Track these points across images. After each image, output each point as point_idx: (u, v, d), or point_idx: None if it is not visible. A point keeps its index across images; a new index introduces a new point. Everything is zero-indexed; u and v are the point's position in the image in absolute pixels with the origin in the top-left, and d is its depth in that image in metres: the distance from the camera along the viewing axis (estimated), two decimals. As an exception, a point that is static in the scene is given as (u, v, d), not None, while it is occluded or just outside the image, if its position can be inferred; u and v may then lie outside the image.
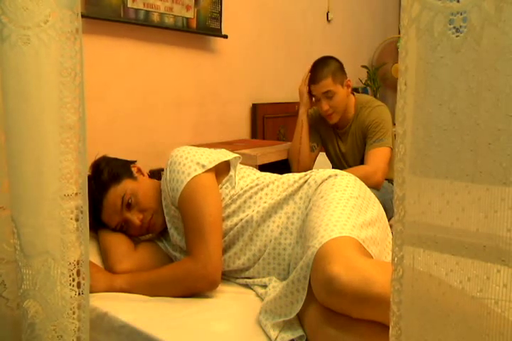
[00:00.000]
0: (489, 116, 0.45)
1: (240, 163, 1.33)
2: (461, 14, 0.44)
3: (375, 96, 3.07)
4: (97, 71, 1.78)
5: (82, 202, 0.82)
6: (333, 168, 2.06)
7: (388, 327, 0.58)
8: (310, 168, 2.00)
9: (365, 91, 3.46)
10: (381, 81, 3.61)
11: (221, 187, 1.25)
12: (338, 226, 0.98)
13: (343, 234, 0.95)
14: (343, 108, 1.96)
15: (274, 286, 1.13)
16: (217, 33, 2.25)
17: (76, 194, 0.83)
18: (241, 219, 1.22)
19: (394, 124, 2.41)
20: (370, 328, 0.83)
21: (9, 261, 0.91)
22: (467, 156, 0.45)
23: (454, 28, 0.44)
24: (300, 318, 0.96)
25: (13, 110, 0.80)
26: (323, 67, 1.94)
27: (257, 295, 1.16)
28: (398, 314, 0.52)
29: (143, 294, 1.13)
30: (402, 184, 0.50)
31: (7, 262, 0.91)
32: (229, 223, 1.23)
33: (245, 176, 1.30)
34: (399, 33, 4.07)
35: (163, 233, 1.36)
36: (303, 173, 1.30)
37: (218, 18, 2.24)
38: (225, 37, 2.29)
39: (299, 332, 0.94)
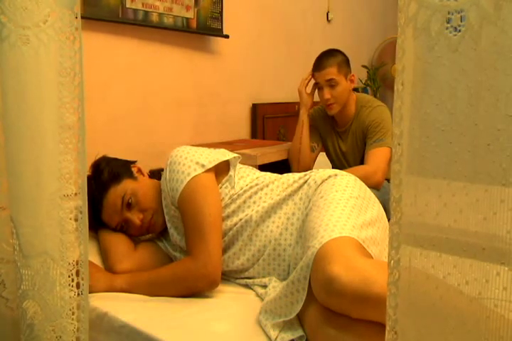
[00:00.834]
0: (488, 117, 0.44)
1: (240, 163, 1.33)
2: (458, 13, 0.43)
3: (375, 96, 3.07)
4: (97, 71, 1.78)
5: (82, 202, 0.82)
6: (333, 167, 2.05)
7: (388, 328, 0.58)
8: (310, 168, 2.00)
9: (365, 91, 3.46)
10: (381, 81, 3.60)
11: (221, 187, 1.25)
12: (338, 226, 0.98)
13: (343, 234, 0.95)
14: (345, 100, 1.95)
15: (274, 286, 1.13)
16: (219, 33, 2.25)
17: (75, 194, 0.82)
18: (240, 219, 1.22)
19: (394, 124, 2.37)
20: (370, 328, 0.83)
21: (9, 260, 0.91)
22: (465, 157, 0.45)
23: (452, 27, 0.44)
24: (300, 318, 0.96)
25: (12, 110, 0.80)
26: (329, 57, 1.94)
27: (257, 295, 1.16)
28: (394, 318, 0.52)
29: (143, 294, 1.13)
30: (399, 185, 0.49)
31: (7, 262, 0.91)
32: (228, 223, 1.23)
33: (245, 176, 1.30)
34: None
35: (163, 233, 1.36)
36: (302, 173, 1.30)
37: (219, 18, 2.23)
38: (227, 37, 2.28)
39: (299, 332, 0.94)
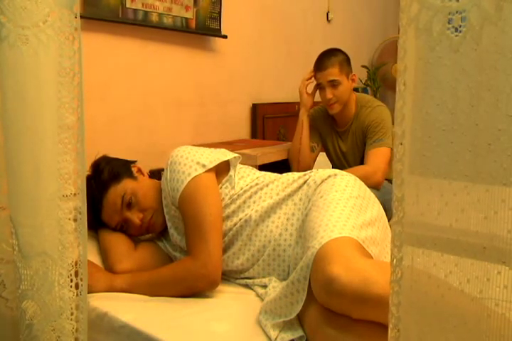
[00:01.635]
0: (489, 117, 0.45)
1: (240, 163, 1.33)
2: (460, 13, 0.43)
3: (375, 96, 3.07)
4: (97, 71, 1.77)
5: (81, 202, 0.82)
6: (333, 167, 2.05)
7: (388, 328, 0.58)
8: (310, 168, 2.00)
9: (365, 91, 3.46)
10: (381, 81, 3.61)
11: (221, 187, 1.25)
12: (338, 226, 0.98)
13: (342, 235, 0.95)
14: (346, 99, 1.95)
15: (274, 286, 1.13)
16: (217, 33, 2.25)
17: (74, 194, 0.82)
18: (240, 219, 1.22)
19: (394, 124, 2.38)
20: (370, 329, 0.83)
21: (9, 261, 0.90)
22: (466, 157, 0.45)
23: (453, 27, 0.44)
24: (300, 318, 0.96)
25: (12, 110, 0.80)
26: (330, 56, 1.94)
27: (257, 295, 1.16)
28: (397, 316, 0.52)
29: (143, 294, 1.13)
30: (401, 185, 0.49)
31: (6, 262, 0.91)
32: (229, 223, 1.23)
33: (245, 176, 1.30)
34: (399, 32, 4.05)
35: (163, 233, 1.36)
36: (302, 173, 1.30)
37: (218, 18, 2.24)
38: (225, 37, 2.28)
39: (299, 333, 0.94)
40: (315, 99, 2.07)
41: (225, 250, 1.23)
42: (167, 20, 1.99)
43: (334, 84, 1.91)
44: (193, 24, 2.12)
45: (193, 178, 1.17)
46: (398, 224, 0.50)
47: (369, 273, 0.81)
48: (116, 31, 1.84)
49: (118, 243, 1.27)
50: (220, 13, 2.24)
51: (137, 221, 1.24)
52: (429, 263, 0.48)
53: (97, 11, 1.72)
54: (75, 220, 0.83)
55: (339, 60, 1.92)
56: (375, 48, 3.79)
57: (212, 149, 1.29)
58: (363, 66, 3.49)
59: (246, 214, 1.22)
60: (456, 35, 0.44)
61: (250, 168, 1.37)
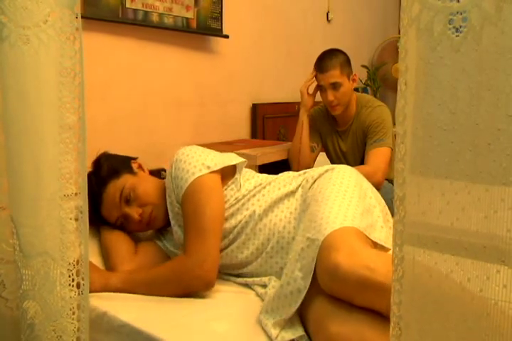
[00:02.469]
0: (489, 116, 0.45)
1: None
2: (460, 14, 0.44)
3: (375, 96, 3.07)
4: (97, 71, 1.78)
5: (82, 202, 0.82)
6: (332, 167, 2.05)
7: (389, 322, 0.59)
8: (310, 168, 2.00)
9: (365, 91, 3.46)
10: (381, 81, 3.61)
11: (226, 189, 1.26)
12: (339, 217, 1.00)
13: (344, 225, 0.97)
14: (348, 100, 1.96)
15: (274, 286, 1.13)
16: (218, 33, 2.25)
17: (76, 194, 0.82)
18: (245, 216, 1.23)
19: (394, 124, 2.39)
20: (373, 327, 0.83)
21: (9, 261, 0.91)
22: (467, 156, 0.45)
23: (454, 27, 0.44)
24: (303, 316, 0.97)
25: (13, 110, 0.80)
26: (331, 58, 1.94)
27: (257, 294, 1.16)
28: (398, 314, 0.52)
29: (138, 293, 1.13)
30: (403, 184, 0.50)
31: (7, 262, 0.91)
32: (233, 221, 1.23)
33: (250, 178, 1.32)
34: (399, 32, 4.06)
35: (163, 231, 1.36)
36: (302, 171, 1.33)
37: (219, 18, 2.24)
38: (226, 37, 2.28)
39: (300, 332, 0.94)
40: (316, 99, 2.07)
41: (228, 245, 1.23)
42: (167, 20, 1.99)
43: (335, 86, 1.91)
44: (193, 24, 2.12)
45: (196, 178, 1.17)
46: (399, 223, 0.51)
47: (372, 261, 0.84)
48: (116, 31, 1.84)
49: (120, 244, 1.27)
50: (221, 13, 2.24)
51: (136, 216, 1.24)
52: (431, 261, 0.49)
53: (96, 11, 1.72)
54: (76, 220, 0.83)
55: (340, 62, 1.92)
56: (375, 48, 3.79)
57: (218, 153, 1.30)
58: (363, 66, 3.49)
59: (250, 211, 1.23)
60: (457, 36, 0.44)
61: (252, 171, 1.39)
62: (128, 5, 1.82)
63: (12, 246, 0.86)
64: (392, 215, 1.26)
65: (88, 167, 1.24)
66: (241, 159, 1.31)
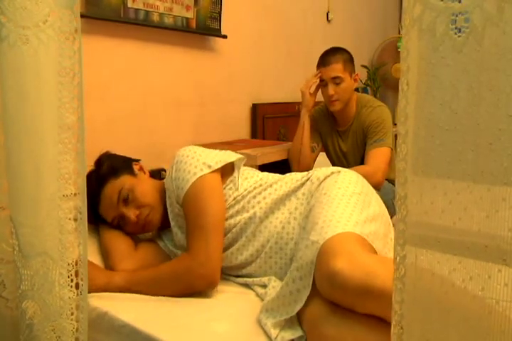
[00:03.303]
0: (490, 116, 0.45)
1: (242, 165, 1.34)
2: (463, 15, 0.44)
3: (375, 96, 3.07)
4: (97, 71, 1.77)
5: (81, 202, 0.82)
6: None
7: (387, 326, 0.58)
8: (310, 168, 1.99)
9: (365, 91, 3.46)
10: (381, 81, 3.61)
11: (224, 188, 1.26)
12: (342, 222, 0.99)
13: (346, 230, 0.96)
14: (348, 97, 1.95)
15: (274, 286, 1.13)
16: (217, 33, 2.25)
17: (75, 194, 0.82)
18: (244, 217, 1.23)
19: (394, 124, 2.40)
20: (368, 328, 0.83)
21: (9, 261, 0.90)
22: (468, 156, 0.45)
23: (456, 28, 0.44)
24: (298, 316, 0.96)
25: (12, 110, 0.80)
26: (335, 53, 1.95)
27: (257, 295, 1.16)
28: (400, 313, 0.53)
29: (141, 292, 1.13)
30: (405, 183, 0.50)
31: (7, 262, 0.91)
32: (232, 221, 1.23)
33: (249, 177, 1.31)
34: (399, 33, 4.07)
35: (164, 231, 1.36)
36: (305, 172, 1.31)
37: (218, 18, 2.24)
38: (225, 37, 2.28)
39: (299, 333, 0.94)
40: (317, 99, 2.07)
41: (229, 246, 1.23)
42: (168, 20, 1.99)
43: (337, 81, 1.91)
44: (193, 24, 2.12)
45: (198, 178, 1.17)
46: (401, 222, 0.51)
47: (372, 267, 0.83)
48: (117, 31, 1.84)
49: (119, 243, 1.27)
50: (220, 13, 2.24)
51: (133, 217, 1.24)
52: (433, 260, 0.49)
53: (98, 11, 1.72)
54: (76, 220, 0.83)
55: (343, 58, 1.93)
56: (375, 48, 3.79)
57: (218, 151, 1.30)
58: (363, 66, 3.49)
59: (250, 213, 1.23)
60: (459, 36, 0.44)
61: (253, 169, 1.38)
62: (130, 5, 1.82)
63: (12, 246, 0.86)
64: (391, 216, 1.27)
65: (88, 166, 1.24)
66: (239, 155, 1.30)
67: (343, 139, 2.06)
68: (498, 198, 0.45)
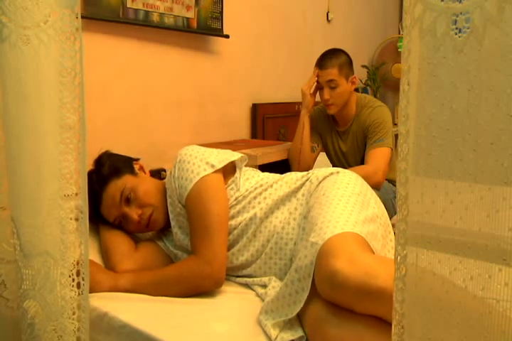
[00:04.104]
0: (491, 116, 0.45)
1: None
2: (463, 15, 0.44)
3: (375, 96, 3.07)
4: (98, 71, 1.77)
5: (82, 202, 0.82)
6: (333, 167, 2.06)
7: (389, 326, 0.58)
8: (310, 168, 2.00)
9: (365, 91, 3.46)
10: (381, 81, 3.61)
11: (226, 188, 1.26)
12: (341, 222, 0.99)
13: (345, 230, 0.96)
14: (343, 102, 1.96)
15: (274, 286, 1.13)
16: (219, 32, 2.25)
17: (76, 194, 0.82)
18: (245, 218, 1.23)
19: (395, 124, 2.39)
20: (370, 328, 0.83)
21: (9, 260, 0.90)
22: (469, 156, 0.45)
23: (457, 28, 0.44)
24: (300, 318, 0.96)
25: (13, 110, 0.80)
26: (332, 57, 1.95)
27: (257, 295, 1.16)
28: (401, 312, 0.53)
29: (147, 294, 1.12)
30: (406, 183, 0.50)
31: (7, 262, 0.91)
32: (233, 222, 1.23)
33: (250, 177, 1.31)
34: (399, 33, 4.07)
35: (164, 232, 1.36)
36: (305, 172, 1.31)
37: (219, 17, 2.24)
38: (227, 37, 2.28)
39: (299, 333, 0.94)
40: (316, 99, 2.07)
41: (230, 247, 1.23)
42: (168, 20, 1.99)
43: (332, 86, 1.92)
44: (194, 24, 2.12)
45: (201, 178, 1.17)
46: (402, 222, 0.51)
47: (372, 267, 0.83)
48: (116, 31, 1.84)
49: (119, 243, 1.27)
50: (221, 12, 2.24)
51: (135, 217, 1.24)
52: (434, 260, 0.49)
53: (97, 11, 1.72)
54: (77, 219, 0.83)
55: (340, 62, 1.93)
56: (375, 48, 3.79)
57: (219, 150, 1.30)
58: (363, 66, 3.49)
59: (251, 213, 1.23)
60: (460, 36, 0.44)
61: (254, 169, 1.38)
62: (129, 5, 1.82)
63: (13, 246, 0.86)
64: (391, 217, 1.27)
65: (89, 166, 1.24)
66: (240, 154, 1.30)
67: (343, 139, 2.06)
68: (498, 198, 0.45)
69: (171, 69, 2.10)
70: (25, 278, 0.85)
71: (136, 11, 1.86)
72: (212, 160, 1.21)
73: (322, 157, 2.17)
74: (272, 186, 1.27)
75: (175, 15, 2.02)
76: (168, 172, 1.29)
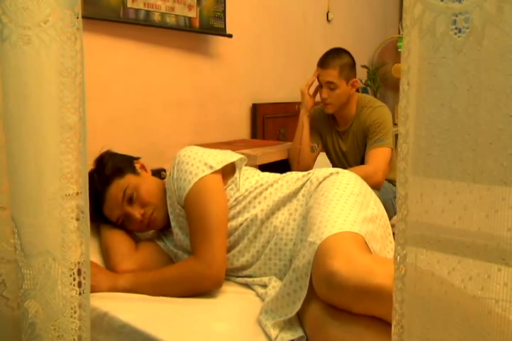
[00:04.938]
0: (490, 116, 0.45)
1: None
2: (463, 15, 0.44)
3: (375, 96, 3.07)
4: (98, 71, 1.78)
5: (83, 201, 0.82)
6: (333, 167, 2.06)
7: (388, 326, 0.59)
8: (310, 168, 2.00)
9: (365, 91, 3.46)
10: (381, 81, 3.61)
11: (226, 188, 1.26)
12: (339, 222, 0.99)
13: (343, 230, 0.96)
14: (341, 103, 1.96)
15: (274, 286, 1.13)
16: (222, 32, 2.24)
17: (77, 193, 0.82)
18: (246, 219, 1.23)
19: (395, 124, 2.39)
20: (370, 328, 0.83)
21: (9, 260, 0.91)
22: (469, 156, 0.46)
23: (456, 28, 0.44)
24: (300, 318, 0.96)
25: (14, 110, 0.80)
26: (334, 57, 1.94)
27: (257, 295, 1.16)
28: (401, 312, 0.53)
29: (146, 294, 1.13)
30: (405, 183, 0.50)
31: (7, 261, 0.91)
32: (234, 223, 1.23)
33: (250, 177, 1.31)
34: (399, 33, 4.07)
35: (164, 231, 1.36)
36: (305, 172, 1.31)
37: (222, 17, 2.23)
38: (230, 36, 2.27)
39: (299, 333, 0.94)
40: (316, 99, 2.07)
41: (230, 248, 1.23)
42: (170, 20, 1.99)
43: (331, 87, 1.92)
44: (196, 23, 2.11)
45: (200, 179, 1.17)
46: (402, 221, 0.51)
47: (370, 267, 0.82)
48: (117, 31, 1.84)
49: (119, 242, 1.28)
50: (224, 11, 2.23)
51: (138, 216, 1.24)
52: (433, 260, 0.49)
53: (98, 11, 1.72)
54: (78, 219, 0.83)
55: (341, 63, 1.92)
56: (375, 48, 3.79)
57: (219, 150, 1.30)
58: (363, 66, 3.49)
59: (252, 214, 1.23)
60: (459, 36, 0.44)
61: (254, 169, 1.38)
62: (129, 4, 1.82)
63: (13, 246, 0.86)
64: (390, 217, 1.27)
65: (89, 165, 1.24)
66: (239, 155, 1.30)
67: (343, 139, 2.06)
68: (497, 198, 0.45)
69: (171, 70, 2.10)
70: (25, 277, 0.85)
71: (136, 10, 1.86)
72: (211, 161, 1.21)
73: (322, 157, 2.17)
74: (272, 185, 1.27)
75: (177, 15, 2.01)
76: (167, 173, 1.29)
